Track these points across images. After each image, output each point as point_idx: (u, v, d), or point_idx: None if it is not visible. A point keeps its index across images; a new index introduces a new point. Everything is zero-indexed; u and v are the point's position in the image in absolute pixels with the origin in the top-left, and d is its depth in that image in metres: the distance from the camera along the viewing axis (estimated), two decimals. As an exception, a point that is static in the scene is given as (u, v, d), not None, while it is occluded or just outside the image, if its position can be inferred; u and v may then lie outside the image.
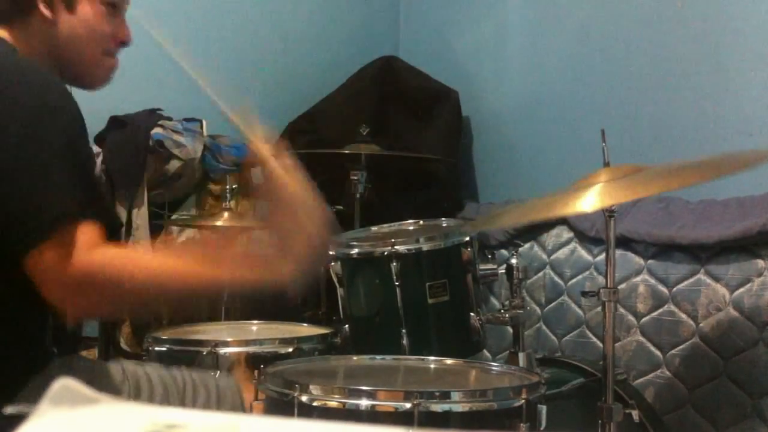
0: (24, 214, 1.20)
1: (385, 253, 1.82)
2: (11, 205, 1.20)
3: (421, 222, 2.12)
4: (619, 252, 2.20)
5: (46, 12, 1.36)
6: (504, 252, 2.63)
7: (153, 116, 2.73)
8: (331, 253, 1.93)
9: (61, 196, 1.21)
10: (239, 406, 1.50)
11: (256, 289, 1.25)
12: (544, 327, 2.52)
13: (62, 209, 1.19)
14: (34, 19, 1.37)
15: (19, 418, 0.44)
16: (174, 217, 2.68)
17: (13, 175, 1.20)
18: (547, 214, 2.06)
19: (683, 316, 2.15)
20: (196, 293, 1.33)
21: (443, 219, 2.16)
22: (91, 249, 1.18)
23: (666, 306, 2.19)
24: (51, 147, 1.22)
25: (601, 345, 2.08)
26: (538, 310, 2.54)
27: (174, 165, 2.64)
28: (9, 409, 1.19)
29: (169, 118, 2.74)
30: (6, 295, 1.27)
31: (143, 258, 1.26)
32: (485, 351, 2.36)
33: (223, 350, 1.70)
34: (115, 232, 1.30)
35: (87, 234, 1.18)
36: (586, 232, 2.44)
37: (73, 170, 1.23)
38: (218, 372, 1.62)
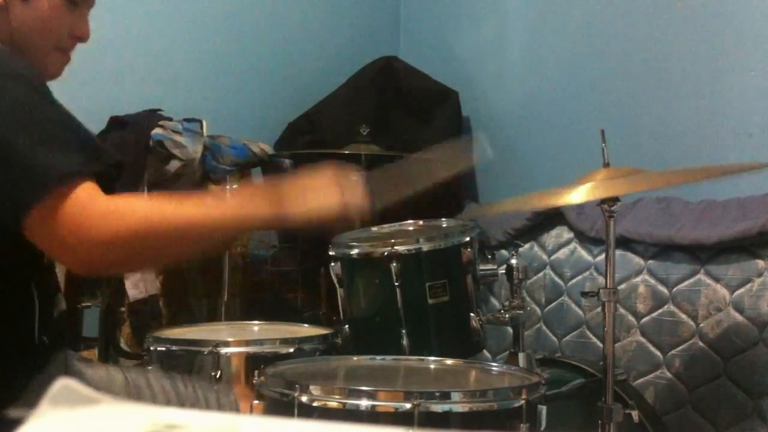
0: (24, 172, 1.18)
1: (385, 253, 1.82)
2: (9, 165, 1.18)
3: (421, 222, 2.12)
4: (619, 252, 2.20)
5: None
6: (504, 252, 2.63)
7: (153, 116, 2.73)
8: (331, 253, 1.93)
9: (61, 151, 1.20)
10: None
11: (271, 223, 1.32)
12: (544, 327, 2.52)
13: (65, 163, 1.19)
14: None
15: (17, 419, 0.43)
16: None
17: (8, 138, 1.19)
18: (545, 203, 2.10)
19: (683, 316, 2.15)
20: (208, 234, 1.31)
21: (443, 219, 2.15)
22: (102, 201, 1.18)
23: (666, 306, 2.19)
24: (39, 110, 1.23)
25: (601, 345, 2.08)
26: (538, 311, 2.54)
27: (174, 165, 2.64)
28: (9, 412, 1.18)
29: (169, 118, 2.74)
30: None
31: (158, 206, 1.26)
32: (485, 351, 2.37)
33: (223, 350, 1.70)
34: (116, 177, 1.30)
35: (91, 188, 1.18)
36: (586, 232, 2.44)
37: (67, 126, 1.24)
38: (219, 390, 1.61)
